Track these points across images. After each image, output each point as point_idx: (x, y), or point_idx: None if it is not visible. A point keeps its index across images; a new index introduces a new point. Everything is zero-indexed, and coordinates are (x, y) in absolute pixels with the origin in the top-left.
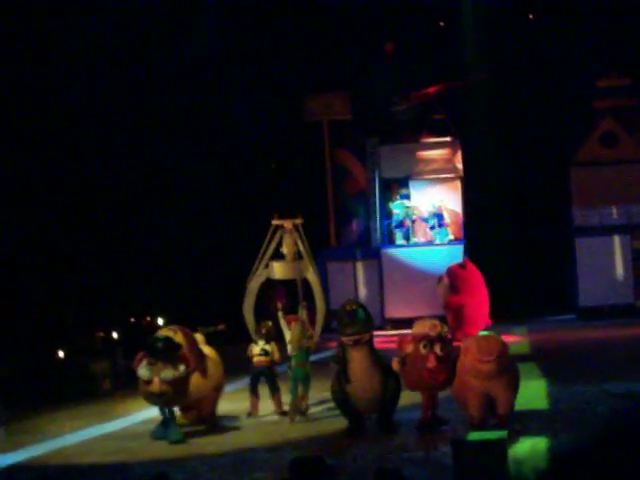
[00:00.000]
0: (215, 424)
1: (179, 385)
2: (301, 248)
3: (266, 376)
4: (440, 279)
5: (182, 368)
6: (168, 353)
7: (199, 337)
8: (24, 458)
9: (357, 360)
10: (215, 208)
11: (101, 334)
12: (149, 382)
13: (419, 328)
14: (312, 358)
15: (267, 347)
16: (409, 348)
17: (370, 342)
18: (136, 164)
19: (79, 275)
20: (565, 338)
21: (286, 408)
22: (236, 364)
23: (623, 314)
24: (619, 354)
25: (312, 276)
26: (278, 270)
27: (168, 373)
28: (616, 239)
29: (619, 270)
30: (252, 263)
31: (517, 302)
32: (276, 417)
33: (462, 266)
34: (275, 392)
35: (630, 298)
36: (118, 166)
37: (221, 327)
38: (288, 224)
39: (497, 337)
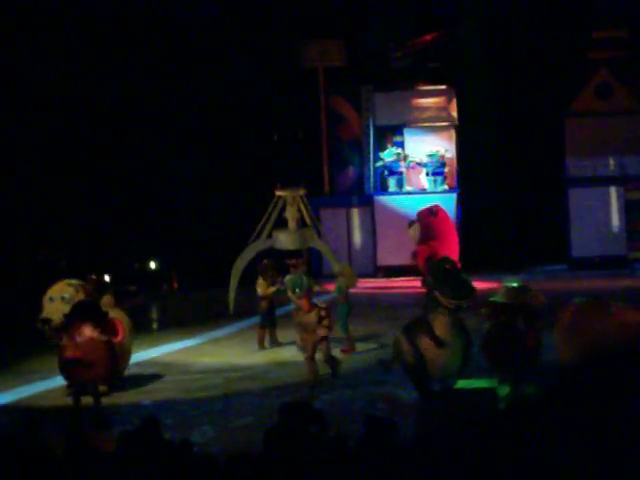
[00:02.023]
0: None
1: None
2: (306, 218)
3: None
4: (411, 223)
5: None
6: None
7: (108, 299)
8: (11, 400)
9: (445, 325)
10: (215, 166)
11: (93, 277)
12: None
13: (512, 296)
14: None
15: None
16: (496, 318)
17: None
18: (134, 120)
19: (72, 219)
20: (557, 288)
21: (281, 340)
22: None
23: (615, 266)
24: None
25: (319, 243)
26: (282, 241)
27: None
28: (609, 190)
29: (612, 221)
30: (248, 226)
31: (509, 251)
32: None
33: (433, 212)
34: (271, 326)
35: (623, 250)
36: (119, 120)
37: (132, 289)
38: (291, 195)
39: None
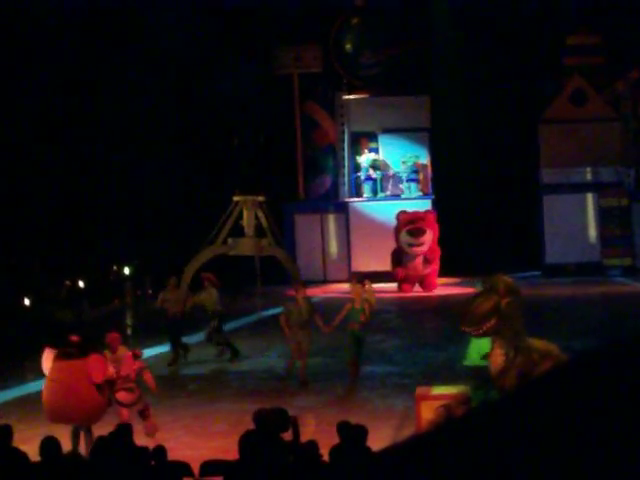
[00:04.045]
0: None
1: None
2: (264, 225)
3: None
4: (417, 230)
5: None
6: None
7: None
8: None
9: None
10: (183, 167)
11: (67, 283)
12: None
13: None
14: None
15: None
16: None
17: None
18: (107, 119)
19: (46, 223)
20: (530, 294)
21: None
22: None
23: (589, 272)
24: (584, 312)
25: (278, 252)
26: (238, 246)
27: None
28: (583, 197)
29: (586, 228)
30: (208, 231)
31: (483, 257)
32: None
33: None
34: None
35: (597, 256)
36: (93, 127)
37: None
38: (249, 200)
39: None
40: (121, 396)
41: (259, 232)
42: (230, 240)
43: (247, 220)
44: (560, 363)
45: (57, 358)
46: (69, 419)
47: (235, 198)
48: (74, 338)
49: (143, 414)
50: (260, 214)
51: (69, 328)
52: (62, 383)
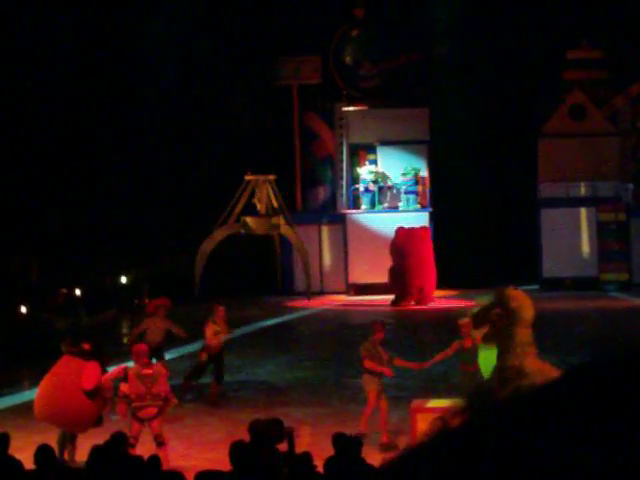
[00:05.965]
0: None
1: None
2: (275, 203)
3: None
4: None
5: None
6: None
7: None
8: None
9: None
10: (184, 165)
11: (64, 291)
12: None
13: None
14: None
15: None
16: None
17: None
18: (106, 122)
19: (44, 231)
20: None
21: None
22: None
23: (586, 286)
24: (581, 326)
25: (290, 232)
26: (252, 225)
27: None
28: (581, 211)
29: (584, 242)
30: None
31: (481, 271)
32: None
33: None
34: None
35: (594, 271)
36: (94, 126)
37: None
38: (260, 179)
39: None
40: (146, 413)
41: (272, 211)
42: (243, 219)
43: (259, 198)
44: (530, 385)
45: (65, 354)
46: (54, 418)
47: (247, 177)
48: (86, 346)
49: (160, 444)
50: (271, 193)
51: (83, 335)
52: (58, 378)
